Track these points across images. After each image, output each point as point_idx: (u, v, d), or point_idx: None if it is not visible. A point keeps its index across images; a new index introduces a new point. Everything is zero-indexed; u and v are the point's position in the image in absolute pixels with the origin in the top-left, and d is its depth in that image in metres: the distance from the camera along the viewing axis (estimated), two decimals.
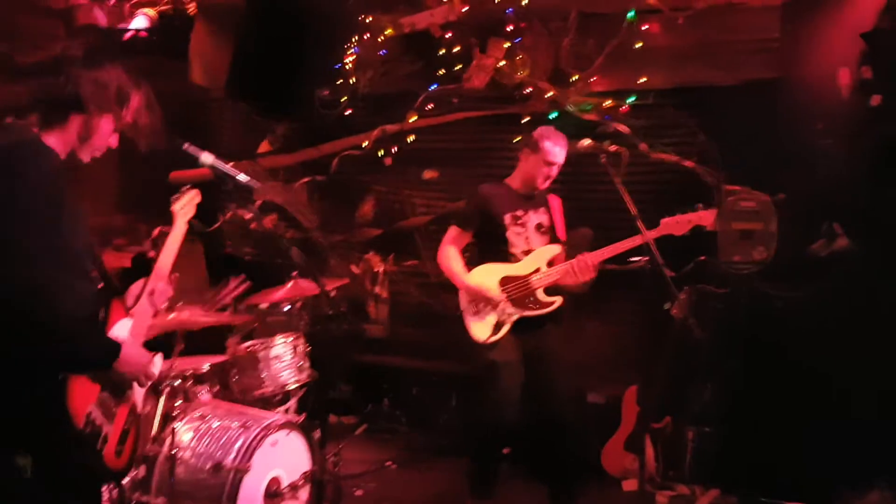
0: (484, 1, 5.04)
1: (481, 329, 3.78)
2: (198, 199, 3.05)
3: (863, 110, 4.11)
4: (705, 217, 3.74)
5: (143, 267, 4.27)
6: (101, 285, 2.25)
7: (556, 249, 3.89)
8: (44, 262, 1.92)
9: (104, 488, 2.35)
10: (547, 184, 3.90)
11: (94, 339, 2.13)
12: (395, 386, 5.54)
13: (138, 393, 2.37)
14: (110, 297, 2.30)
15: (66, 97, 2.10)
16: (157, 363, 2.51)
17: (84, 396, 2.11)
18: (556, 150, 3.81)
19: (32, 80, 2.11)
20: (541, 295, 3.79)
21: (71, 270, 2.04)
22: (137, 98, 2.23)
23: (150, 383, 2.36)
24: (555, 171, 3.86)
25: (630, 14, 4.69)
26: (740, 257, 4.37)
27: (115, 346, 2.13)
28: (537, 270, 3.81)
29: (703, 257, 4.48)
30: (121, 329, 2.33)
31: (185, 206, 2.97)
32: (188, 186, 3.06)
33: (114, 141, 2.23)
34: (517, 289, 3.78)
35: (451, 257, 3.91)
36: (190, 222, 4.32)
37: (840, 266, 4.07)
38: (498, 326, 3.76)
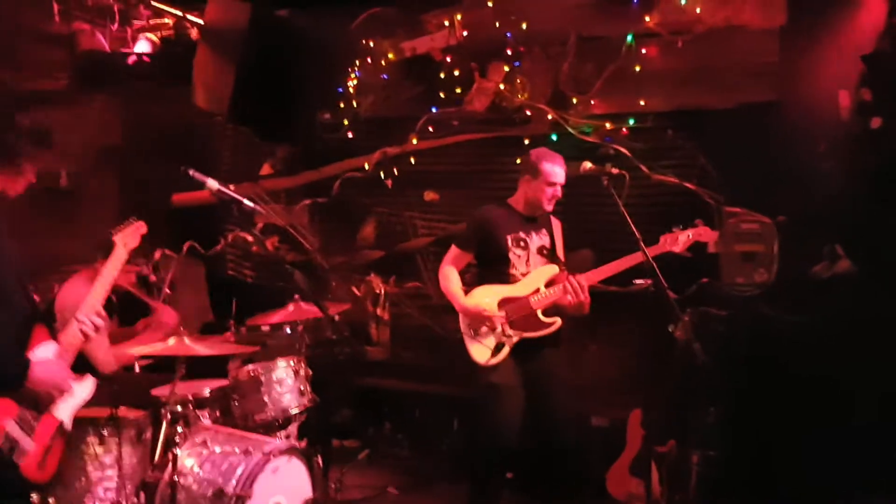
0: (484, 26, 5.09)
1: (481, 351, 3.76)
2: (143, 230, 3.11)
3: (863, 132, 4.13)
4: (705, 233, 3.74)
5: (143, 288, 4.27)
6: (25, 310, 2.50)
7: (554, 270, 3.87)
8: None
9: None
10: (552, 204, 3.89)
11: (5, 356, 2.35)
12: (396, 409, 5.51)
13: (65, 412, 2.53)
14: (32, 322, 2.51)
15: (12, 149, 2.44)
16: (88, 386, 2.70)
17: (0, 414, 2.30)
18: (557, 170, 3.82)
19: None
20: (540, 316, 3.78)
21: None
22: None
23: (77, 401, 2.58)
24: (559, 190, 3.86)
25: (629, 38, 4.73)
26: (742, 279, 4.37)
27: (25, 363, 2.35)
28: (536, 291, 3.80)
29: (705, 279, 4.48)
30: (43, 352, 2.50)
31: (127, 236, 3.02)
32: (133, 218, 3.13)
33: (34, 177, 2.56)
34: (516, 310, 3.77)
35: (449, 278, 3.91)
36: (191, 245, 4.33)
37: (842, 288, 4.07)
38: (498, 348, 3.74)
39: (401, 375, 5.55)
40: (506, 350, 3.74)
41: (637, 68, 4.78)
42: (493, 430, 3.74)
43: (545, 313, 3.78)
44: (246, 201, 2.54)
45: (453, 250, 3.97)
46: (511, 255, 3.85)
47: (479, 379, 3.75)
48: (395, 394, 5.50)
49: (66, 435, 2.53)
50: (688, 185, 4.68)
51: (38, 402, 2.43)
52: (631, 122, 4.85)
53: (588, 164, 3.80)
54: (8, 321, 2.42)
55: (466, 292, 3.87)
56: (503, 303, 3.79)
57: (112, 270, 2.90)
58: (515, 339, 3.74)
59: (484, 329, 3.76)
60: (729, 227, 4.40)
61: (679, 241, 3.71)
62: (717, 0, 4.57)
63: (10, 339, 2.43)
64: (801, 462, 3.96)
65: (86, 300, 2.78)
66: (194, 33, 5.40)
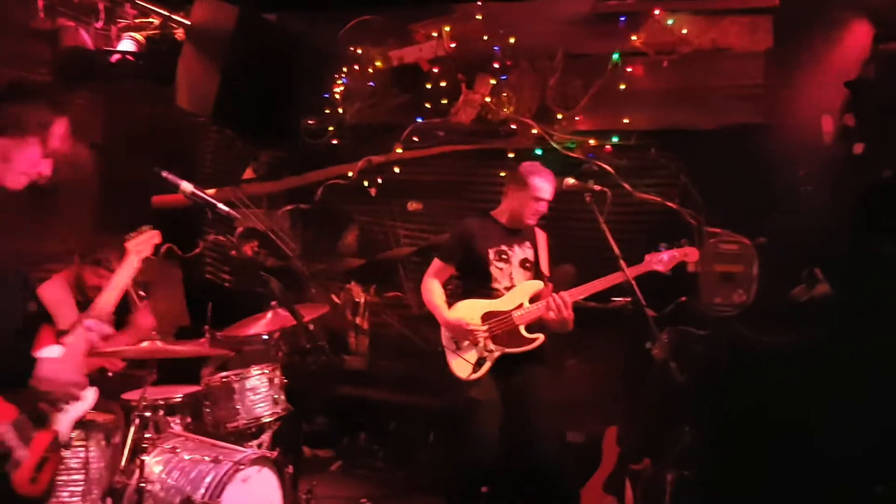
0: (472, 38, 5.11)
1: (462, 366, 3.73)
2: (156, 240, 3.03)
3: (845, 157, 4.16)
4: (691, 253, 3.74)
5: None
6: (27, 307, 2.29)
7: (538, 285, 3.85)
8: None
9: None
10: (535, 220, 3.88)
11: (7, 350, 2.14)
12: (372, 420, 5.46)
13: (63, 423, 2.35)
14: (38, 321, 2.31)
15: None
16: (89, 397, 2.52)
17: None
18: (545, 185, 3.80)
19: None
20: (523, 331, 3.75)
21: None
22: (60, 126, 2.29)
23: (76, 413, 2.37)
24: (543, 206, 3.84)
25: (615, 56, 4.76)
26: (721, 299, 4.38)
27: (30, 360, 2.13)
28: (520, 306, 3.78)
29: (684, 298, 4.49)
30: (49, 354, 2.31)
31: (140, 244, 2.93)
32: (149, 227, 3.06)
33: (45, 168, 2.28)
34: (499, 325, 3.75)
35: (432, 291, 3.88)
36: (170, 247, 4.26)
37: (820, 312, 4.09)
38: (479, 363, 3.71)
39: (378, 386, 5.50)
40: (487, 365, 3.71)
41: (622, 86, 4.81)
42: (472, 444, 3.71)
43: (528, 329, 3.76)
44: (220, 205, 2.50)
45: (436, 263, 3.95)
46: (492, 269, 3.83)
47: (459, 393, 3.73)
48: (372, 404, 5.46)
49: (60, 448, 2.35)
50: (669, 204, 4.70)
51: (39, 414, 2.23)
52: (615, 139, 4.87)
53: (571, 180, 3.82)
54: (8, 312, 2.23)
55: (450, 305, 3.84)
56: (486, 317, 3.76)
57: (123, 278, 2.82)
58: (497, 355, 3.72)
59: (466, 343, 3.73)
60: (709, 248, 4.42)
61: (664, 260, 3.71)
62: (704, 22, 4.62)
63: (11, 330, 2.23)
64: (775, 484, 3.96)
65: (94, 306, 2.67)
66: (180, 34, 5.36)
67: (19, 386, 2.12)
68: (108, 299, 2.72)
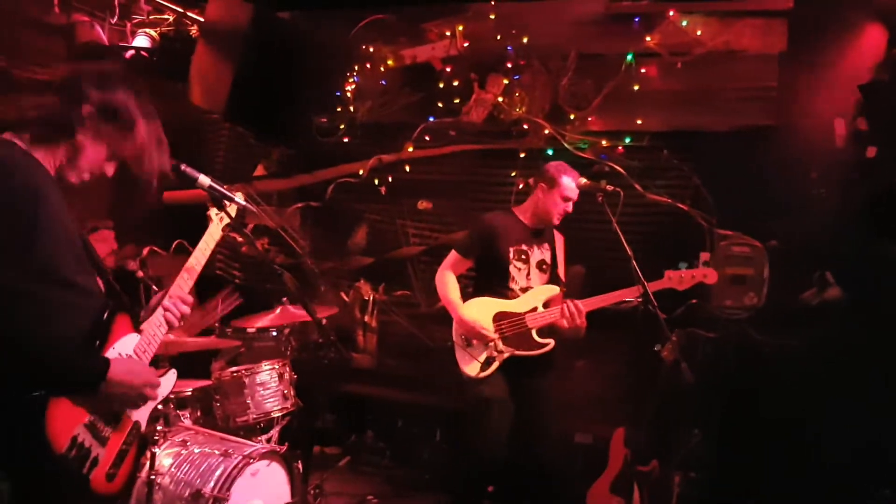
0: (485, 38, 5.11)
1: (471, 364, 3.72)
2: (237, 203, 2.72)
3: (857, 161, 4.15)
4: (709, 275, 3.68)
5: (124, 281, 4.20)
6: (102, 297, 2.15)
7: (554, 290, 3.81)
8: (11, 274, 1.86)
9: None
10: (560, 219, 3.83)
11: (74, 358, 2.01)
12: (380, 418, 5.47)
13: (143, 412, 2.23)
14: (114, 310, 2.16)
15: (59, 119, 2.06)
16: (169, 381, 2.40)
17: (69, 417, 2.00)
18: (574, 185, 3.77)
19: (32, 97, 2.08)
20: (534, 335, 3.73)
21: (49, 283, 1.96)
22: (144, 130, 2.18)
23: (152, 404, 2.24)
24: (570, 207, 3.81)
25: (629, 57, 4.75)
26: (731, 302, 4.37)
27: (101, 367, 2.01)
28: (534, 310, 3.76)
29: (694, 300, 4.48)
30: (125, 346, 2.19)
31: (221, 211, 2.61)
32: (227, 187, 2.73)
33: (109, 169, 2.19)
34: (511, 326, 3.73)
35: (448, 285, 3.83)
36: (181, 243, 4.23)
37: (831, 315, 4.08)
38: (488, 362, 3.70)
39: (386, 384, 5.51)
40: (495, 365, 3.70)
41: (636, 87, 4.80)
42: (479, 443, 3.70)
43: (539, 333, 3.73)
44: (238, 199, 2.50)
45: (453, 255, 3.89)
46: (511, 269, 3.79)
47: (467, 391, 3.72)
48: (380, 402, 5.46)
49: (140, 438, 2.22)
50: (681, 205, 4.70)
51: (107, 410, 2.09)
52: (627, 140, 4.86)
53: (583, 180, 3.80)
54: (77, 308, 2.05)
55: (464, 301, 3.82)
56: (498, 317, 3.73)
57: (204, 251, 2.48)
58: (506, 356, 3.70)
59: (476, 342, 3.72)
60: (720, 250, 4.41)
61: (683, 279, 3.66)
62: (718, 23, 4.61)
63: (80, 330, 2.05)
64: (782, 486, 3.95)
65: (172, 285, 2.38)
66: (194, 31, 5.39)
67: (91, 391, 2.00)
68: (185, 277, 2.40)
